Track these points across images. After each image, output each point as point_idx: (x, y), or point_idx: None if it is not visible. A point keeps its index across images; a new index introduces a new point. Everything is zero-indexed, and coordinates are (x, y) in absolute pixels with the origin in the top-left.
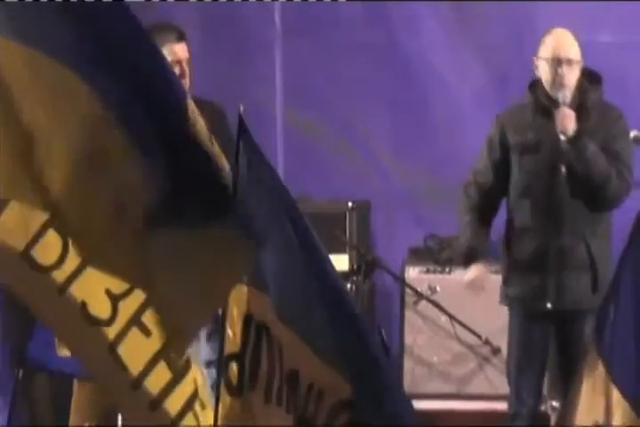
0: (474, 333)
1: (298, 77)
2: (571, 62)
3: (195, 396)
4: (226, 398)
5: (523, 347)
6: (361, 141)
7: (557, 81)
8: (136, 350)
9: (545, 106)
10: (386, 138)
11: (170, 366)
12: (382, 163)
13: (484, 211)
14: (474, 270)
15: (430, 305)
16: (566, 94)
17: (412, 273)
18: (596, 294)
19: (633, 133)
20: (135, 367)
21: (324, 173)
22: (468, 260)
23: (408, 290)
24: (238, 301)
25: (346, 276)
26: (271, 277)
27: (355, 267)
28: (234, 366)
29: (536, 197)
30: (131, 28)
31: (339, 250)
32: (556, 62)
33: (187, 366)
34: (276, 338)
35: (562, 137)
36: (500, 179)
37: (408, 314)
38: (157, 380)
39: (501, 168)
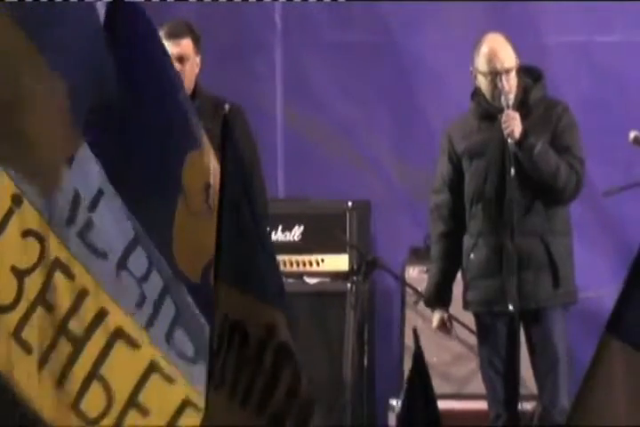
0: (474, 333)
1: (298, 77)
2: (508, 71)
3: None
4: (211, 393)
5: (492, 349)
6: (361, 141)
7: (498, 92)
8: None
9: (489, 112)
10: (386, 138)
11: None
12: (382, 163)
13: (451, 236)
14: (436, 318)
15: None
16: (509, 97)
17: (413, 273)
18: (558, 290)
19: (633, 133)
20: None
21: (324, 172)
22: (430, 304)
23: (408, 290)
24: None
25: (346, 276)
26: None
27: (355, 267)
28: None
29: (487, 200)
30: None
31: (339, 250)
32: (494, 75)
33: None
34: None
35: (509, 140)
36: (455, 193)
37: (408, 314)
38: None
39: (455, 181)
